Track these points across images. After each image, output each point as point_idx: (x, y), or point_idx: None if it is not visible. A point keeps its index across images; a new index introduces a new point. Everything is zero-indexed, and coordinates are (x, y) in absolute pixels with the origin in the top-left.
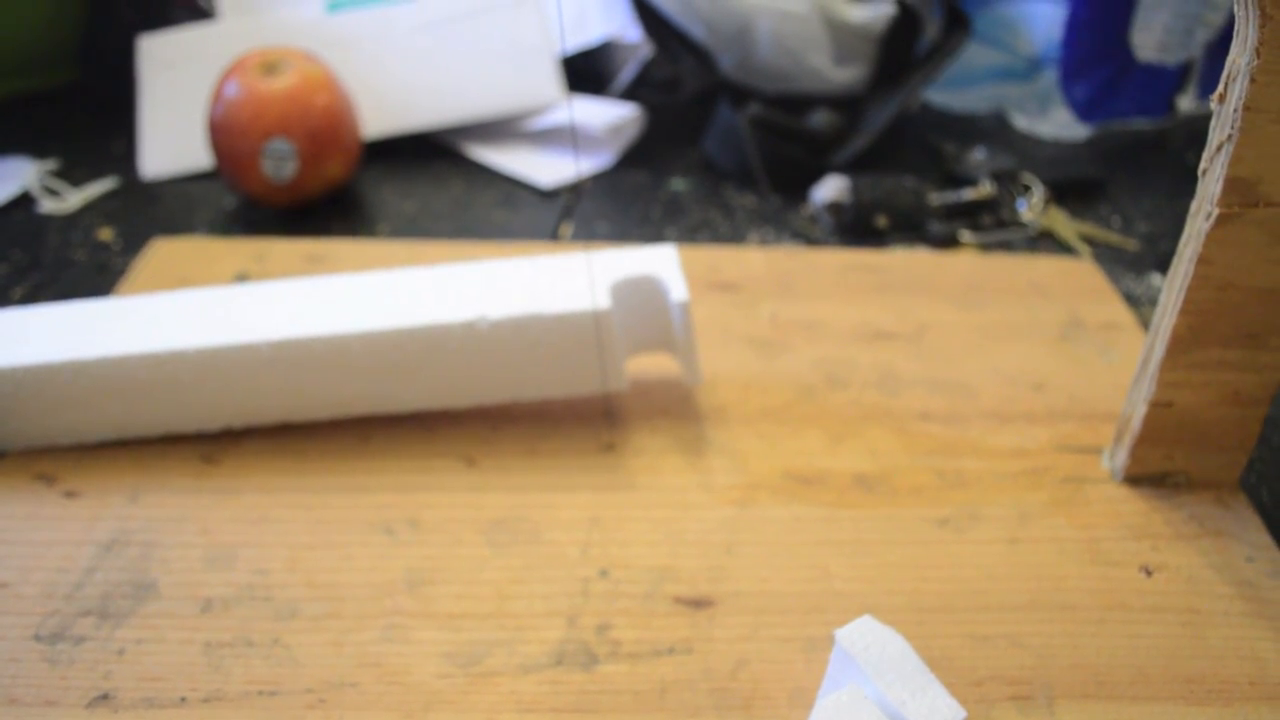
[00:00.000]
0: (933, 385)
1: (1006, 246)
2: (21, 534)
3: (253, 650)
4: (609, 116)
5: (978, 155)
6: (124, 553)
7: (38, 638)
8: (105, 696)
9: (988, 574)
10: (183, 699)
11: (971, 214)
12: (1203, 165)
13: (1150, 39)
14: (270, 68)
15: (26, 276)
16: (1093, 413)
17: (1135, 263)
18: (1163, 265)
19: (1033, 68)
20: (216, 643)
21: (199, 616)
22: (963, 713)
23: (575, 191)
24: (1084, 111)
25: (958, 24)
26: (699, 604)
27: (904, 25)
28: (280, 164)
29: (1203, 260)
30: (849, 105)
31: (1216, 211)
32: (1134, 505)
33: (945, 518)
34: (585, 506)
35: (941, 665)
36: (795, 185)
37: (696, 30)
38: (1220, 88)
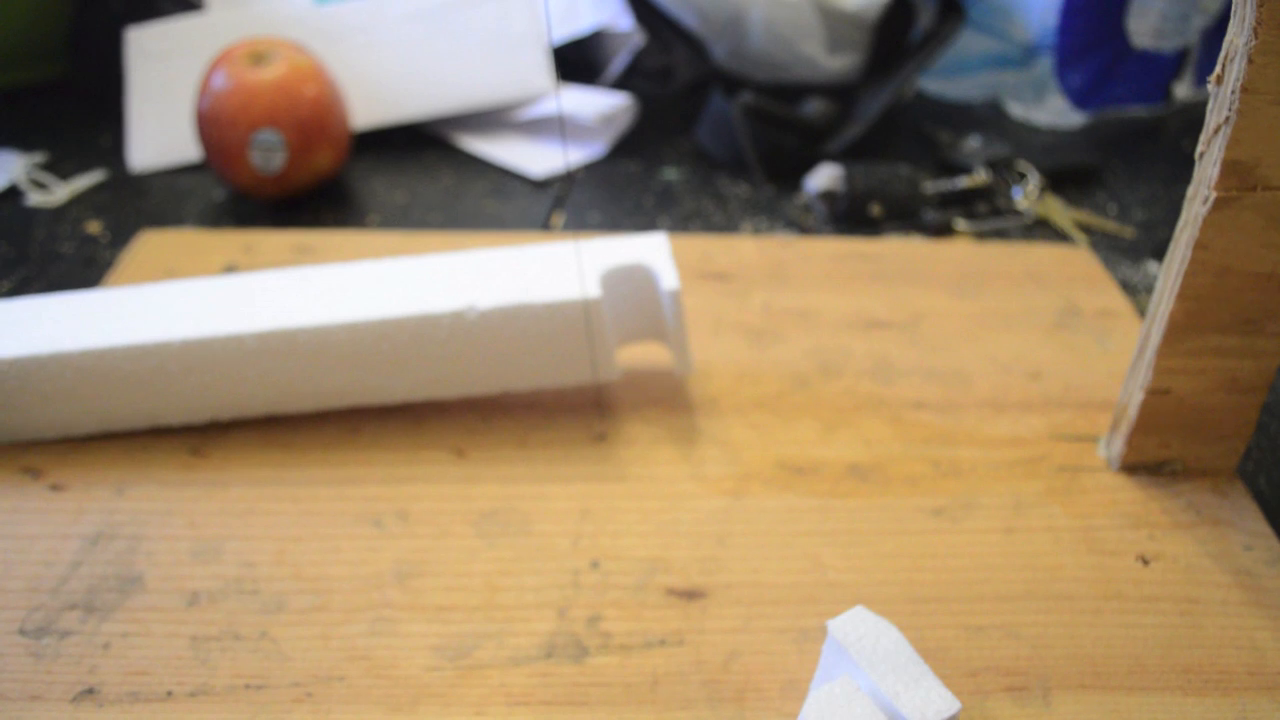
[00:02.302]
0: (927, 374)
1: (1002, 235)
2: (6, 528)
3: (240, 644)
4: (601, 106)
5: (972, 143)
6: (110, 546)
7: (22, 632)
8: (90, 690)
9: (983, 564)
10: (169, 693)
11: (966, 202)
12: (1200, 148)
13: (1146, 26)
14: (258, 58)
15: (14, 270)
16: (1089, 401)
17: (1131, 250)
18: (1159, 253)
19: (1028, 55)
20: (203, 636)
21: (185, 610)
22: (958, 704)
23: (567, 181)
24: (1079, 99)
25: (952, 11)
26: (691, 595)
27: (898, 12)
28: (269, 155)
29: (1200, 245)
30: (843, 93)
31: (1214, 195)
32: (1130, 494)
33: (940, 507)
34: (576, 497)
35: (936, 656)
36: (789, 174)
37: (689, 19)
38: (1218, 69)
